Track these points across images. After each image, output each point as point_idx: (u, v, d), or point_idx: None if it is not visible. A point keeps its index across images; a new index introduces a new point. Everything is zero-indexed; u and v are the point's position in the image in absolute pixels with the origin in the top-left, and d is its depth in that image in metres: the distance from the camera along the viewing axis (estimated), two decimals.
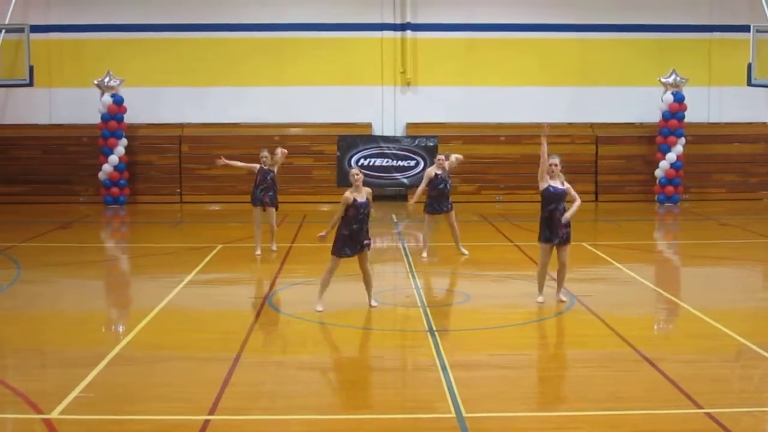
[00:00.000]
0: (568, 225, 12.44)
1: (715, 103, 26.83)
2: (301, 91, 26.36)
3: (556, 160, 12.50)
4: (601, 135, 26.48)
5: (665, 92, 25.29)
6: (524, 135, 26.29)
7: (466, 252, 16.77)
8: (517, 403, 8.73)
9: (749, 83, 23.50)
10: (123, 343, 10.81)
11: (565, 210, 12.41)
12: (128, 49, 26.14)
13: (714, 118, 26.93)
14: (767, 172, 26.68)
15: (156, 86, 26.13)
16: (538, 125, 26.31)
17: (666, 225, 23.34)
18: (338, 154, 25.71)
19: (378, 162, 25.82)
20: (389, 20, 26.52)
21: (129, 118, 25.38)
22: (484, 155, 26.18)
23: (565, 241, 12.48)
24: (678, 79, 25.26)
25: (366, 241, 12.11)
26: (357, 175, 12.09)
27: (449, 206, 16.52)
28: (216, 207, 25.32)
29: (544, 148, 12.57)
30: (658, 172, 25.44)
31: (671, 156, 25.18)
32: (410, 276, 15.05)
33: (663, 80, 25.32)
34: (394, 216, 23.23)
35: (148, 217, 24.08)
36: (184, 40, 26.34)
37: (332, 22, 26.48)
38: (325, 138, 26.02)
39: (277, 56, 26.43)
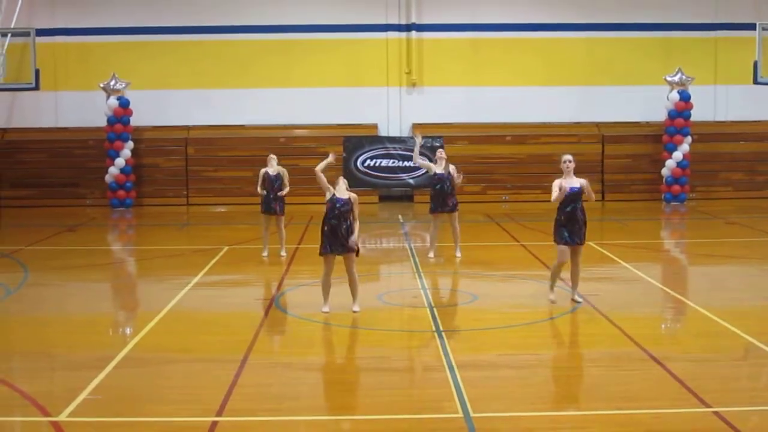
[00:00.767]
0: (585, 224, 12.39)
1: (722, 102, 26.78)
2: (306, 93, 26.39)
3: (569, 157, 12.39)
4: (607, 134, 26.46)
5: (671, 91, 25.27)
6: (530, 135, 26.33)
7: (458, 255, 16.64)
8: (524, 403, 8.72)
9: (755, 81, 23.43)
10: (130, 345, 10.82)
11: (583, 210, 12.34)
12: (134, 51, 26.19)
13: (720, 117, 26.89)
14: None
15: (162, 89, 26.19)
16: (544, 125, 26.60)
17: (672, 224, 23.31)
18: (344, 155, 25.73)
19: (384, 163, 25.84)
20: (394, 21, 26.54)
21: (135, 120, 25.43)
22: (490, 155, 26.21)
23: (581, 241, 12.43)
24: (684, 77, 25.23)
25: (350, 244, 12.02)
26: (342, 179, 12.38)
27: (451, 206, 16.35)
28: (222, 209, 25.35)
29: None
30: (665, 171, 25.41)
31: (677, 155, 25.15)
32: (417, 276, 15.04)
33: (669, 79, 25.29)
34: (400, 216, 23.24)
35: (155, 219, 24.11)
36: (189, 42, 26.38)
37: (337, 23, 26.50)
38: (331, 139, 26.04)
39: (283, 58, 26.45)
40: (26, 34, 23.70)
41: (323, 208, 12.17)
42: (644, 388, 9.08)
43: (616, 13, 26.69)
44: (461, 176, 16.37)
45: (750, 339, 10.80)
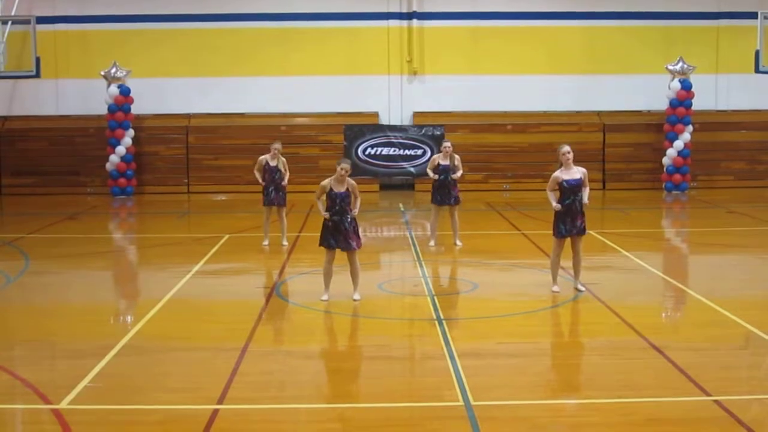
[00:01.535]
0: (584, 215, 12.41)
1: (723, 91, 26.74)
2: (307, 81, 26.35)
3: (567, 148, 12.38)
4: (608, 123, 26.42)
5: (672, 80, 25.22)
6: (531, 123, 26.30)
7: (459, 243, 16.64)
8: (525, 392, 8.73)
9: (757, 70, 23.39)
10: (131, 333, 10.83)
11: (581, 201, 12.33)
12: (135, 40, 26.15)
13: (722, 106, 26.84)
14: None
15: (162, 77, 26.15)
16: (545, 113, 26.57)
17: (673, 213, 23.30)
18: (345, 143, 25.72)
19: (385, 151, 25.81)
20: (395, 9, 26.48)
21: (136, 109, 25.40)
22: (490, 144, 26.19)
23: (581, 231, 12.44)
24: (685, 66, 25.18)
25: (351, 241, 12.01)
26: (342, 170, 12.05)
27: (453, 200, 16.32)
28: (223, 197, 25.35)
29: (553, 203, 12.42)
30: (666, 160, 25.39)
31: (679, 144, 25.12)
32: (418, 265, 15.04)
33: (670, 68, 25.24)
34: (401, 205, 23.23)
35: (156, 207, 24.12)
36: (190, 30, 26.33)
37: (338, 11, 26.45)
38: (332, 128, 26.03)
39: (284, 46, 26.40)
40: (27, 21, 23.66)
41: (317, 193, 12.15)
42: (645, 376, 9.10)
43: (617, 2, 26.61)
44: (460, 173, 16.39)
45: (751, 328, 10.81)
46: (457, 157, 16.45)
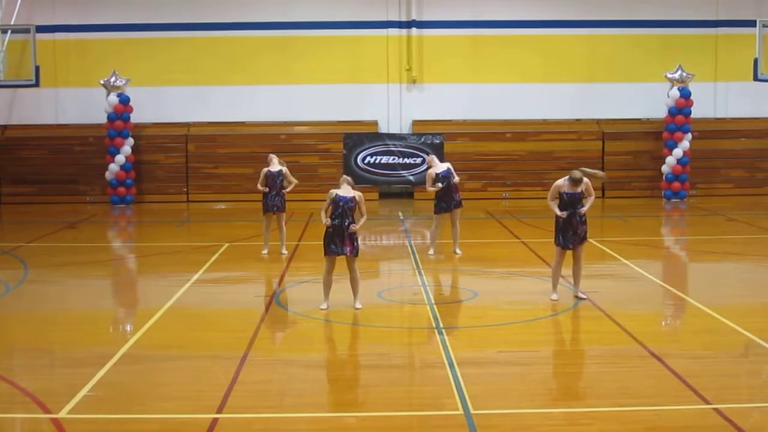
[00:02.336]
0: (585, 223, 12.44)
1: (722, 99, 26.77)
2: (307, 90, 26.36)
3: (579, 175, 12.39)
4: (607, 131, 26.44)
5: (671, 88, 25.24)
6: (530, 132, 26.31)
7: (459, 252, 16.66)
8: (525, 400, 8.72)
9: (755, 78, 23.42)
10: (130, 342, 10.82)
11: (580, 214, 12.37)
12: (134, 48, 26.17)
13: (720, 114, 26.87)
14: None
15: (162, 85, 26.16)
16: (544, 122, 26.60)
17: (673, 221, 23.30)
18: (345, 152, 25.73)
19: (384, 159, 25.81)
20: (395, 18, 26.51)
21: (135, 117, 25.41)
22: (490, 152, 26.20)
23: (582, 240, 12.48)
24: (684, 74, 25.20)
25: (350, 230, 12.03)
26: (347, 178, 12.36)
27: (457, 202, 16.36)
28: (222, 206, 25.35)
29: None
30: (665, 168, 25.40)
31: (678, 152, 25.13)
32: (417, 273, 15.04)
33: (669, 76, 25.27)
34: (400, 213, 23.23)
35: (155, 216, 24.11)
36: (189, 39, 26.36)
37: (338, 20, 26.47)
38: (332, 136, 26.04)
39: (283, 55, 26.44)
40: (26, 30, 23.67)
41: (325, 204, 12.15)
42: (644, 385, 9.08)
43: (616, 10, 26.64)
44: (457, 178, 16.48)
45: (750, 336, 10.81)
46: (448, 163, 16.63)
